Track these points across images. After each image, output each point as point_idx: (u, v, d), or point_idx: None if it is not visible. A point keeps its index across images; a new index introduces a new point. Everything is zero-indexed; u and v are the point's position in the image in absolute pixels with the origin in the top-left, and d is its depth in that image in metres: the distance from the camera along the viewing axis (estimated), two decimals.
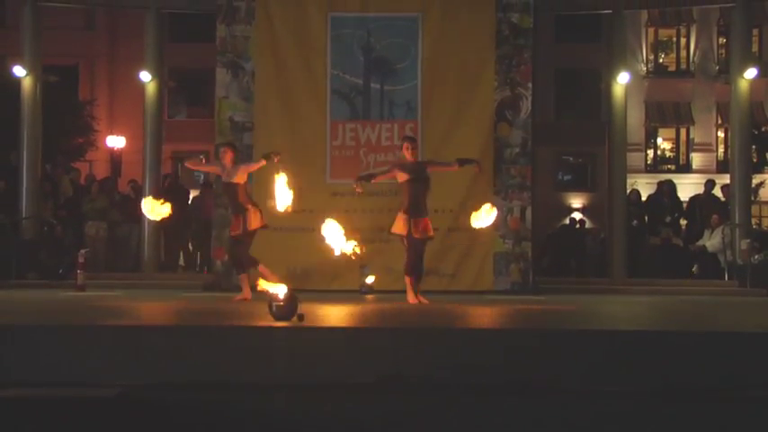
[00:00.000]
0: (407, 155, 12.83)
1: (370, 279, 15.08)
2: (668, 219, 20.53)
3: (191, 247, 20.05)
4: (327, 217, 16.08)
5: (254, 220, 13.35)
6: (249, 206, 13.25)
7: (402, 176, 12.72)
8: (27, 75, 18.78)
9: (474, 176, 14.29)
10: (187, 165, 14.18)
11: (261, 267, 13.04)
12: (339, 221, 12.46)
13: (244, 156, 16.12)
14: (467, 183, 13.64)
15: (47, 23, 19.63)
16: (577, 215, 25.17)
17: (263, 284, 9.70)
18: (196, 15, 19.65)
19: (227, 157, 13.34)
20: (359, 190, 13.07)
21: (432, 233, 12.94)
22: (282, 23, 16.89)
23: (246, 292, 13.08)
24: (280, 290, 9.17)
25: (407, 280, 12.94)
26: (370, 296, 14.61)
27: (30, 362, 7.43)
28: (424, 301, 12.71)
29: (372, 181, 13.43)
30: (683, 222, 20.88)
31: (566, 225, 23.76)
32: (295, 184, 12.98)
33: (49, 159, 20.66)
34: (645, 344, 7.94)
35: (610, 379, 7.30)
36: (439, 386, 7.22)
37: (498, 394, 7.11)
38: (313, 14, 16.86)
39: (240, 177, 13.27)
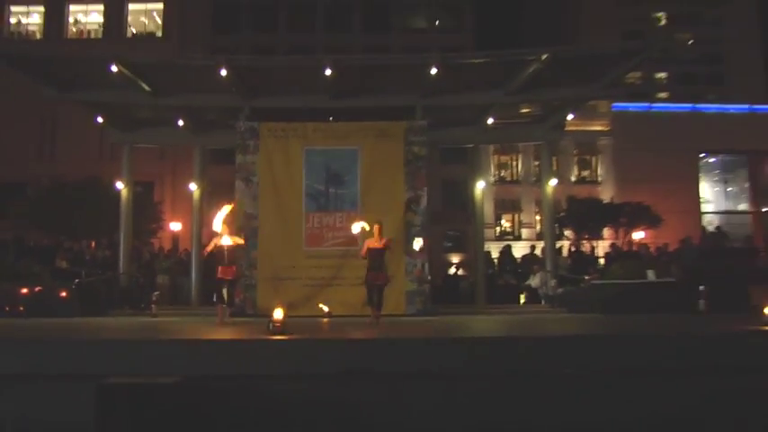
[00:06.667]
0: (376, 233, 12.76)
1: (325, 308, 14.54)
2: (508, 268, 20.82)
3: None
4: (303, 271, 16.12)
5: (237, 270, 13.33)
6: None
7: (368, 245, 12.73)
8: (124, 187, 19.00)
9: (393, 246, 13.80)
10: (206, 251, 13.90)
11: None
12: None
13: (249, 234, 16.20)
14: (390, 249, 13.44)
15: (134, 156, 19.70)
16: (453, 270, 25.10)
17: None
18: (225, 149, 19.08)
19: (225, 228, 12.98)
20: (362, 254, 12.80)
21: (379, 281, 12.65)
22: (275, 154, 16.96)
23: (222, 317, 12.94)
24: (276, 314, 9.34)
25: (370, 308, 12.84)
26: (327, 319, 14.14)
27: (123, 360, 7.56)
28: (376, 320, 12.54)
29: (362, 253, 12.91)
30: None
31: (448, 275, 23.90)
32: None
33: (136, 237, 20.61)
34: (496, 344, 8.18)
35: (477, 367, 7.49)
36: (384, 376, 7.28)
37: (417, 378, 7.17)
38: (294, 148, 16.93)
39: (235, 241, 13.09)
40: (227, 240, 12.83)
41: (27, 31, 40.56)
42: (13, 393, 6.90)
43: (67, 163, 33.03)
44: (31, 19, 40.67)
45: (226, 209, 13.17)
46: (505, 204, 39.89)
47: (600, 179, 39.71)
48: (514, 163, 40.09)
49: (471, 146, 20.88)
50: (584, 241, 25.44)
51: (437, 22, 45.02)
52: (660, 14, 57.97)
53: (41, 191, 24.29)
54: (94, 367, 7.21)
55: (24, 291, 15.47)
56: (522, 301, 19.05)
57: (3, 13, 40.24)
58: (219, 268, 12.98)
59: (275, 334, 8.90)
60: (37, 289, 15.63)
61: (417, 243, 15.14)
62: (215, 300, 13.74)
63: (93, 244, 21.23)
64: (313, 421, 6.73)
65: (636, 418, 6.86)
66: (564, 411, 6.91)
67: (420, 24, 45.29)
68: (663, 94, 54.50)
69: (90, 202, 21.76)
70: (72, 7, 40.35)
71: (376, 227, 12.96)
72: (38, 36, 40.16)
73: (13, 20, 40.61)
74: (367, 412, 6.82)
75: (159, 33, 40.39)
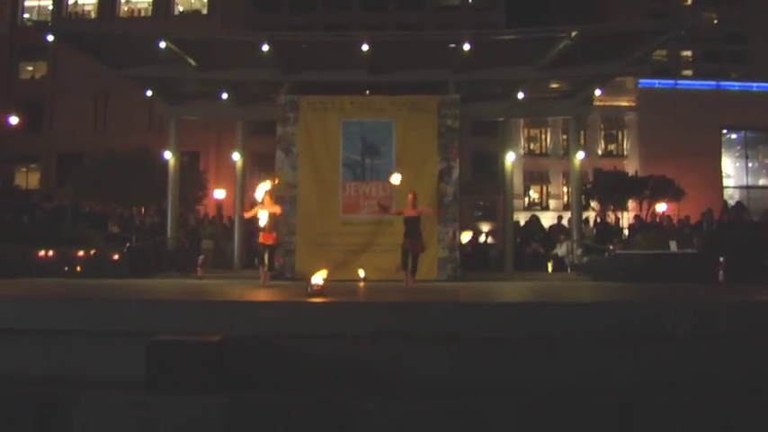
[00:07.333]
0: (410, 202, 12.93)
1: (362, 273, 14.72)
2: (536, 236, 20.77)
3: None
4: (339, 237, 16.12)
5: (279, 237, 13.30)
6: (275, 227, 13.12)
7: (406, 213, 12.95)
8: (171, 157, 19.01)
9: (428, 215, 14.27)
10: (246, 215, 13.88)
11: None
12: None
13: (289, 202, 16.33)
14: (424, 218, 13.49)
15: (181, 127, 19.70)
16: (482, 238, 25.08)
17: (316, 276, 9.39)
18: (266, 121, 19.06)
19: (268, 198, 12.91)
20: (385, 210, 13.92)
21: (416, 248, 12.76)
22: (314, 126, 16.92)
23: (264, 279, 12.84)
24: (316, 278, 9.26)
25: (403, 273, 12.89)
26: (362, 283, 14.17)
27: (171, 319, 7.33)
28: (410, 284, 12.48)
29: (387, 213, 13.96)
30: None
31: (478, 243, 23.80)
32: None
33: (183, 204, 20.72)
34: (523, 308, 7.96)
35: (502, 330, 7.21)
36: (402, 337, 7.11)
37: (432, 341, 7.00)
38: (332, 120, 16.88)
39: (275, 209, 13.00)
40: (263, 216, 12.63)
41: (83, 11, 40.87)
42: (69, 348, 6.96)
43: (119, 135, 33.48)
44: None
45: (267, 184, 12.98)
46: (534, 176, 39.56)
47: (626, 153, 39.24)
48: (543, 136, 39.80)
49: (502, 119, 20.74)
50: (610, 212, 25.24)
51: (469, 0, 44.38)
52: None
53: (95, 161, 24.59)
54: (144, 325, 7.13)
55: (81, 253, 15.88)
56: (549, 269, 18.94)
57: None
58: (261, 233, 12.97)
59: (314, 296, 8.84)
60: (92, 252, 16.03)
61: (466, 236, 14.66)
62: (257, 263, 13.75)
63: (143, 210, 21.50)
64: (345, 379, 6.59)
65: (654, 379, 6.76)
66: (590, 373, 6.85)
67: (453, 2, 44.69)
68: (688, 72, 53.42)
69: (140, 171, 21.99)
70: None
71: (410, 196, 13.01)
72: (92, 15, 40.47)
73: (71, 0, 40.92)
74: (396, 370, 6.66)
75: (204, 11, 40.45)
